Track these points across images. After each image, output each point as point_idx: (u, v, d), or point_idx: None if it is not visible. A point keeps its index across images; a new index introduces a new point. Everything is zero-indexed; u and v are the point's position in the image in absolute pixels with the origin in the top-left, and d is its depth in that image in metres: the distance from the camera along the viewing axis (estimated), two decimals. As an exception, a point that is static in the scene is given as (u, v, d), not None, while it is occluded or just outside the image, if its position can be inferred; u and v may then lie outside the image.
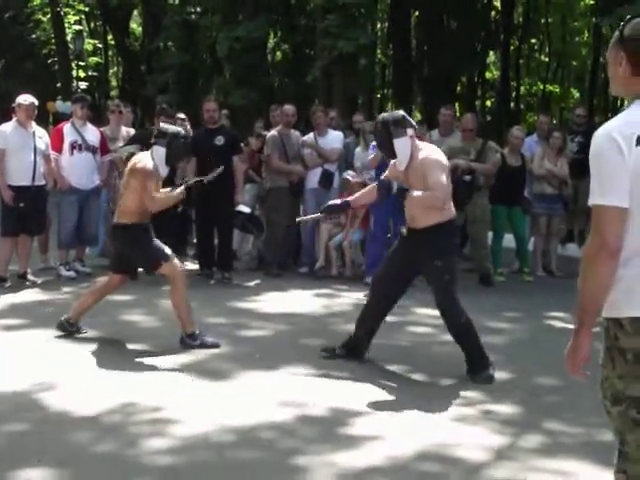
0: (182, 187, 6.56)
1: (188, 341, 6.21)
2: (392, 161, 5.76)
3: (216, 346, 6.22)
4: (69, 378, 5.46)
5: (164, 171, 6.41)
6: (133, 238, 6.30)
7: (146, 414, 4.78)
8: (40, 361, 5.86)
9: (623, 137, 2.62)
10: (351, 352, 5.94)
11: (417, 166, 5.47)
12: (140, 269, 6.86)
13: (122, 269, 6.55)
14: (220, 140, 9.11)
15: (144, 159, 6.28)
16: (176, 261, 6.32)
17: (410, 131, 5.53)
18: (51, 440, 4.37)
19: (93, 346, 6.28)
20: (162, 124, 6.92)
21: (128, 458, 4.16)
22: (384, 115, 5.83)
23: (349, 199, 6.08)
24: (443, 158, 5.60)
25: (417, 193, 5.42)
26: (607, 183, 2.65)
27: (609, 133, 2.65)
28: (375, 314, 5.90)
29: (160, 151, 6.26)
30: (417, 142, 5.60)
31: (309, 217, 7.18)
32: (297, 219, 7.27)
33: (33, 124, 8.73)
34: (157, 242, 6.31)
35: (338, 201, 6.19)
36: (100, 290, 6.66)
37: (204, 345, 6.20)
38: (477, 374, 5.57)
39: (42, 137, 8.83)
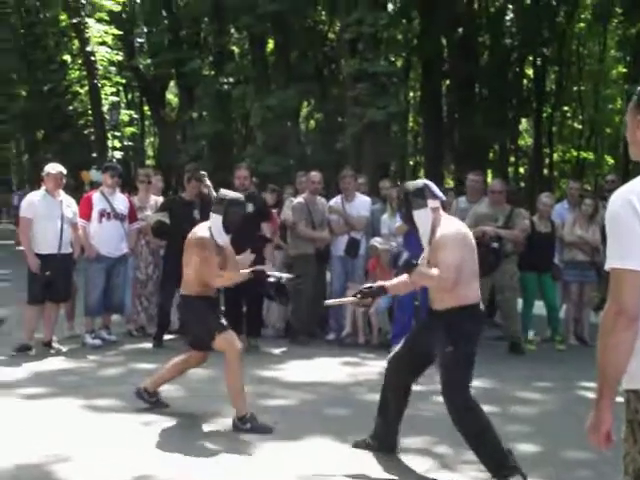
0: (249, 270, 6.16)
1: (239, 424, 5.85)
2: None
3: (268, 431, 5.81)
4: (84, 450, 5.37)
5: (223, 239, 6.15)
6: (191, 309, 6.09)
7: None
8: (56, 432, 5.76)
9: (639, 199, 2.54)
10: (383, 444, 5.44)
11: (434, 241, 5.05)
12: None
13: (199, 345, 6.26)
14: (250, 207, 9.09)
15: (200, 230, 6.10)
16: (231, 335, 5.98)
17: (432, 202, 5.11)
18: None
19: (114, 416, 6.18)
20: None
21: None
22: (407, 184, 5.51)
23: (385, 284, 5.49)
24: (464, 234, 5.08)
25: (421, 270, 4.97)
26: (625, 246, 2.58)
27: (626, 196, 2.60)
28: (397, 405, 5.43)
29: (218, 219, 6.07)
30: (441, 215, 5.16)
31: (338, 301, 6.70)
32: (326, 302, 6.79)
33: (61, 192, 8.80)
34: (215, 315, 6.10)
35: (374, 285, 5.54)
36: (179, 365, 6.42)
37: (255, 430, 5.80)
38: None
39: (70, 205, 8.90)
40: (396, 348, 5.46)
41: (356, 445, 5.48)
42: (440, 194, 5.27)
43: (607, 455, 5.35)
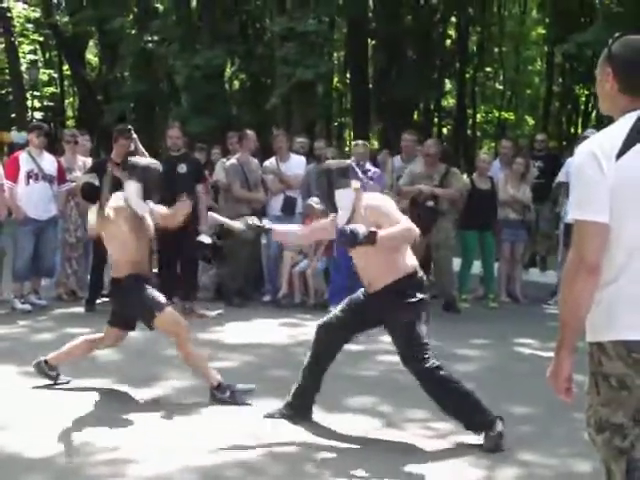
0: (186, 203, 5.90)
1: (218, 394, 5.57)
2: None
3: (251, 390, 5.65)
4: (23, 417, 5.22)
5: (143, 208, 5.72)
6: (125, 292, 5.64)
7: (104, 454, 4.55)
8: (-8, 399, 5.60)
9: (603, 152, 2.58)
10: (298, 411, 5.28)
11: (364, 216, 4.87)
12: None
13: (119, 324, 5.87)
14: (183, 168, 8.93)
15: (114, 201, 5.64)
16: (173, 312, 5.68)
17: (355, 183, 5.02)
18: (4, 484, 4.14)
19: (48, 382, 6.01)
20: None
21: (86, 502, 3.94)
22: (329, 162, 5.36)
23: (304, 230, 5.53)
24: (384, 202, 5.03)
25: (385, 234, 4.69)
26: (586, 198, 2.61)
27: (590, 149, 2.62)
28: (322, 368, 5.26)
29: (134, 186, 5.66)
30: (363, 195, 5.04)
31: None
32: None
33: (-15, 153, 8.50)
34: (152, 293, 5.62)
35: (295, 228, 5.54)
36: (92, 343, 6.00)
37: (237, 395, 5.58)
38: (486, 438, 4.76)
39: (-6, 167, 8.60)
40: (332, 312, 5.35)
41: (269, 416, 5.29)
42: (361, 177, 5.17)
43: (543, 410, 5.52)
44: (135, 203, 5.65)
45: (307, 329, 8.12)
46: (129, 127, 9.45)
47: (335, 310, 5.29)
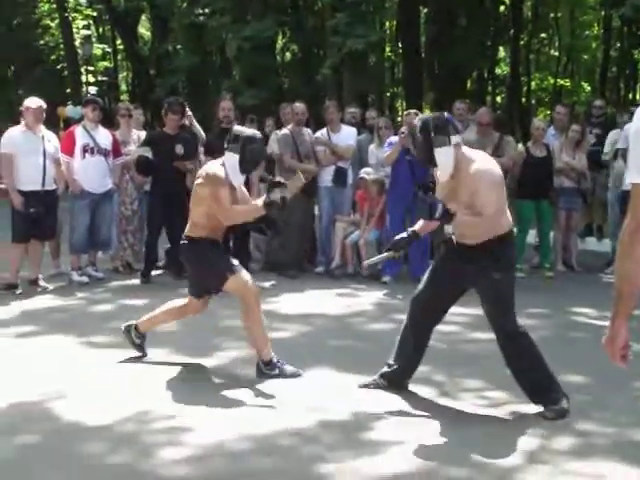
0: (264, 199, 5.45)
1: (266, 370, 5.52)
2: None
3: (297, 375, 5.53)
4: (82, 386, 5.32)
5: (239, 180, 5.62)
6: (198, 252, 5.57)
7: (161, 422, 4.63)
8: (51, 369, 5.71)
9: None
10: (392, 383, 5.24)
11: (467, 180, 4.68)
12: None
13: (199, 292, 5.78)
14: None
15: (213, 167, 5.57)
16: (246, 276, 5.55)
17: (455, 139, 4.72)
18: (63, 452, 4.22)
19: (107, 353, 6.12)
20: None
21: (143, 469, 4.00)
22: (425, 117, 5.05)
23: (415, 229, 5.08)
24: (497, 170, 4.79)
25: (465, 219, 4.67)
26: None
27: None
28: (419, 344, 5.21)
29: (233, 158, 5.51)
30: (465, 150, 4.81)
31: (377, 258, 6.13)
32: (364, 263, 6.09)
33: (42, 127, 8.61)
34: (226, 257, 5.62)
35: (404, 234, 5.11)
36: (176, 311, 5.96)
37: (283, 374, 5.50)
38: (548, 408, 4.78)
39: (51, 140, 8.71)
40: (419, 287, 5.16)
41: (365, 386, 5.29)
42: (460, 127, 4.93)
43: (601, 379, 5.45)
44: (232, 174, 5.54)
45: (361, 299, 8.17)
46: (180, 101, 9.49)
47: (424, 282, 5.11)
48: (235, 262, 5.58)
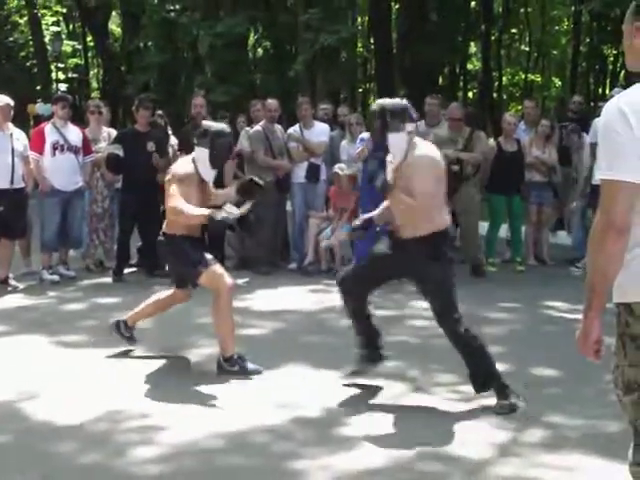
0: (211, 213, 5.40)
1: (225, 366, 5.55)
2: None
3: (258, 373, 5.54)
4: (53, 386, 5.28)
5: (209, 175, 5.68)
6: (174, 247, 5.64)
7: (133, 421, 4.61)
8: (23, 369, 5.66)
9: (633, 111, 2.51)
10: (370, 357, 5.35)
11: (407, 166, 4.85)
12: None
13: (181, 283, 5.92)
14: None
15: (182, 164, 5.68)
16: (220, 270, 5.62)
17: (409, 126, 4.87)
18: (34, 452, 4.19)
19: (79, 351, 6.09)
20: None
21: (115, 468, 3.99)
22: (385, 102, 5.09)
23: (372, 215, 5.26)
24: (437, 159, 4.93)
25: (400, 195, 4.82)
26: (615, 157, 2.53)
27: (619, 106, 2.54)
28: (364, 316, 5.34)
29: (203, 152, 5.57)
30: (416, 140, 4.95)
31: (334, 239, 6.11)
32: (322, 244, 6.24)
33: (10, 125, 8.52)
34: (200, 251, 5.63)
35: (362, 219, 5.33)
36: (162, 302, 6.07)
37: (243, 371, 5.51)
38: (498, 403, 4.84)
39: (19, 138, 8.62)
40: (348, 267, 5.45)
41: (349, 376, 5.35)
42: (415, 116, 5.06)
43: (572, 372, 5.49)
44: (202, 170, 5.60)
45: (334, 295, 8.04)
46: (152, 97, 9.46)
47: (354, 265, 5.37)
48: (209, 257, 5.60)
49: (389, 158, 5.07)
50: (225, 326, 5.57)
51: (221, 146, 5.61)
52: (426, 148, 4.98)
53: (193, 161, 5.61)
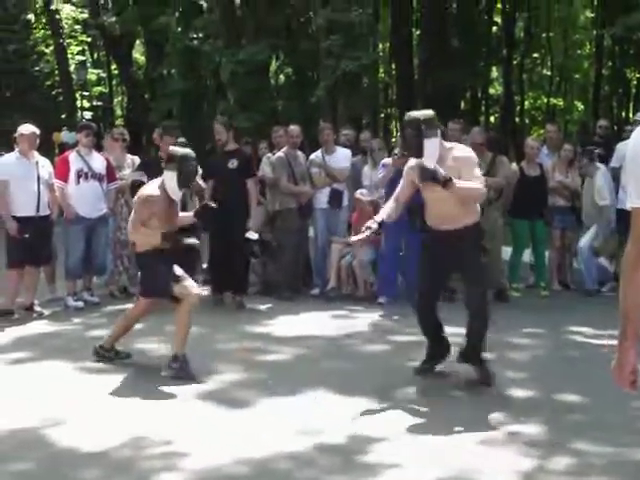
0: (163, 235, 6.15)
1: (171, 363, 6.03)
2: (407, 167, 5.60)
3: (194, 380, 5.90)
4: (77, 412, 5.29)
5: (178, 195, 6.31)
6: (146, 264, 6.26)
7: (157, 448, 4.61)
8: (47, 395, 5.68)
9: None
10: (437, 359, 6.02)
11: (450, 165, 5.38)
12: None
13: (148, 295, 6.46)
14: (233, 163, 8.94)
15: (149, 188, 6.25)
16: (189, 282, 6.17)
17: (439, 132, 5.49)
18: (59, 479, 4.19)
19: (104, 377, 6.10)
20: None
21: (140, 495, 3.98)
22: (414, 114, 5.61)
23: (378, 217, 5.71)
24: (474, 155, 5.63)
25: (463, 183, 5.32)
26: None
27: None
28: (435, 332, 5.94)
29: (171, 176, 6.16)
30: (445, 143, 5.56)
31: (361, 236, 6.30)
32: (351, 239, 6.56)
33: (35, 154, 8.63)
34: (169, 266, 6.15)
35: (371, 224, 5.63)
36: (132, 315, 6.64)
37: (182, 371, 5.96)
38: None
39: (45, 166, 8.73)
40: (420, 289, 5.84)
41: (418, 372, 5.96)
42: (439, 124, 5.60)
43: (598, 398, 5.44)
44: (171, 189, 6.14)
45: (357, 321, 8.15)
46: (176, 125, 9.53)
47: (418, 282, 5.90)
48: (179, 271, 6.14)
49: (408, 168, 5.68)
50: (183, 331, 6.04)
51: (188, 168, 6.21)
52: (464, 148, 5.70)
53: (162, 184, 6.15)
